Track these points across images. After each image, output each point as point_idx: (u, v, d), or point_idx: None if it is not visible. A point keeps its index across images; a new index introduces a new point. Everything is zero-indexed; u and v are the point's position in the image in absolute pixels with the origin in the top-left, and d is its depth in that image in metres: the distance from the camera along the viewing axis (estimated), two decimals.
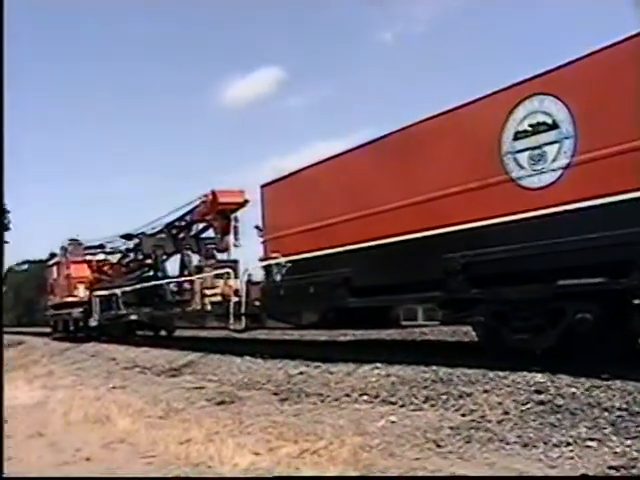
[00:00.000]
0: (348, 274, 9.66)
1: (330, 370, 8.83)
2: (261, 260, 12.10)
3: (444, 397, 6.70)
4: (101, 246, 25.17)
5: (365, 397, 7.47)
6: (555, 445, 4.91)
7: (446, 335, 11.79)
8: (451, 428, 5.71)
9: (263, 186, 12.10)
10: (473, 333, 9.19)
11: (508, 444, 5.12)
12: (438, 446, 5.35)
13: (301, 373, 9.09)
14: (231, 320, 12.77)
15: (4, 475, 5.11)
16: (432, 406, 6.63)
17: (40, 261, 61.09)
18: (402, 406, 6.89)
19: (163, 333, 21.54)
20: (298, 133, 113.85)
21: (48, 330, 30.69)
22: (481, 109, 7.89)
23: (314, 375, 8.83)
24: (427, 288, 8.36)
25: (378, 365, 8.42)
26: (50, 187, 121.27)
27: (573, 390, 5.90)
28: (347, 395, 7.67)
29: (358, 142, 10.08)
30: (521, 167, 7.26)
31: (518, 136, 7.27)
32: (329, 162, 10.49)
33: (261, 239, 12.15)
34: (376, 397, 7.36)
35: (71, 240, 26.38)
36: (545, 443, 4.98)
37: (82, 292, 24.32)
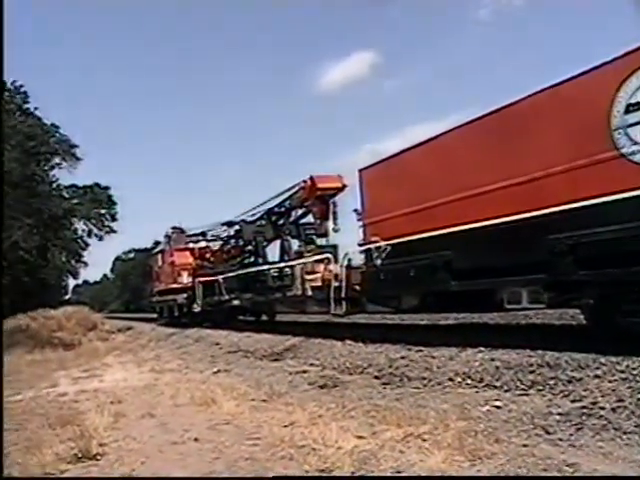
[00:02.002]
0: (449, 257, 9.49)
1: (432, 354, 8.73)
2: (360, 244, 12.04)
3: (552, 382, 6.49)
4: (203, 233, 25.79)
5: (469, 381, 7.35)
6: None
7: (552, 318, 11.43)
8: (560, 414, 5.54)
9: (361, 170, 12.01)
10: (581, 316, 8.86)
11: (625, 433, 4.90)
12: (547, 433, 5.20)
13: (403, 357, 9.02)
14: (332, 305, 12.80)
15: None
16: (539, 391, 6.45)
17: (146, 249, 63.26)
18: (507, 391, 6.74)
19: (264, 318, 21.91)
20: (394, 117, 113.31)
21: (154, 316, 31.80)
22: (588, 83, 7.52)
23: (416, 359, 8.75)
24: (531, 270, 8.09)
25: (481, 349, 8.27)
26: (155, 179, 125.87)
27: None
28: (450, 379, 7.57)
29: (456, 124, 9.85)
30: (634, 142, 6.88)
31: (630, 109, 6.88)
32: (428, 144, 10.31)
33: (360, 223, 12.09)
34: (480, 381, 7.23)
35: (174, 228, 27.16)
36: None
37: (185, 279, 25.02)
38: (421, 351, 9.09)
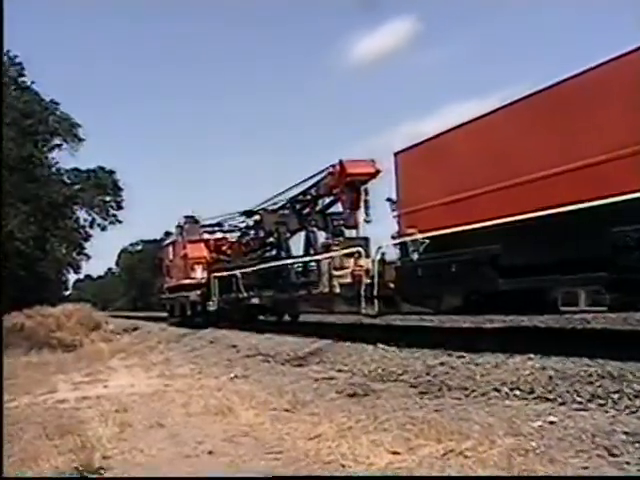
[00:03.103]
0: (496, 251, 9.38)
1: (475, 361, 8.67)
2: (395, 237, 11.98)
3: (615, 396, 6.37)
4: (219, 224, 25.84)
5: (517, 392, 7.27)
6: None
7: (615, 323, 11.27)
8: (626, 434, 5.40)
9: (397, 153, 11.94)
10: None
11: None
12: (611, 455, 5.06)
13: (442, 364, 8.97)
14: (363, 304, 12.74)
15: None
16: (600, 406, 6.33)
17: (155, 241, 63.85)
18: (562, 404, 6.63)
19: (287, 318, 21.92)
20: (435, 93, 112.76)
21: (164, 315, 31.99)
22: None
23: (457, 366, 8.70)
24: (591, 267, 7.97)
25: (532, 356, 8.18)
26: (166, 163, 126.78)
27: None
28: (496, 390, 7.49)
29: (506, 101, 9.72)
30: None
31: None
32: (473, 124, 10.20)
33: (395, 213, 12.03)
34: (530, 393, 7.14)
35: (187, 217, 27.20)
36: None
37: (199, 273, 25.09)
38: (463, 357, 9.03)
